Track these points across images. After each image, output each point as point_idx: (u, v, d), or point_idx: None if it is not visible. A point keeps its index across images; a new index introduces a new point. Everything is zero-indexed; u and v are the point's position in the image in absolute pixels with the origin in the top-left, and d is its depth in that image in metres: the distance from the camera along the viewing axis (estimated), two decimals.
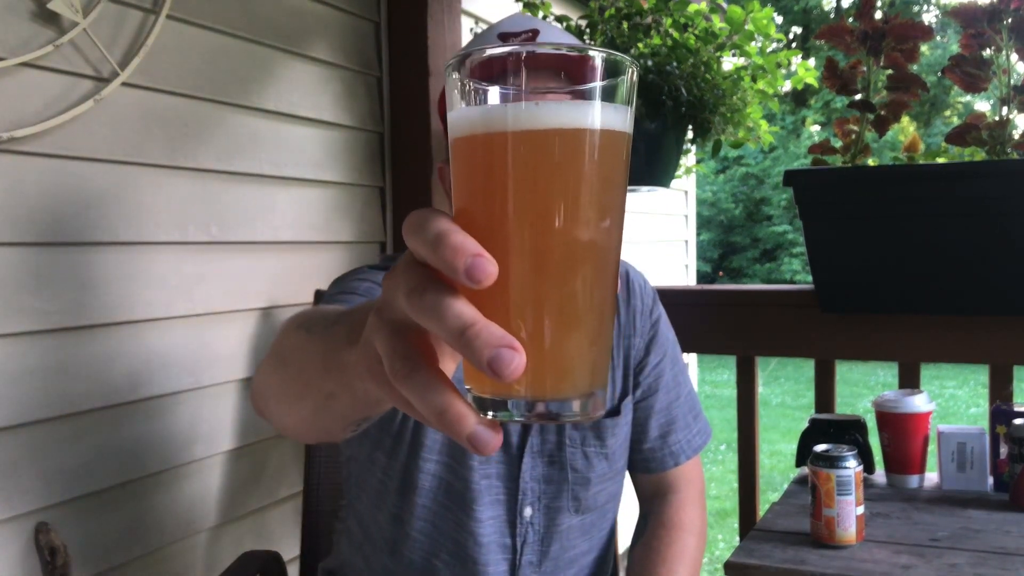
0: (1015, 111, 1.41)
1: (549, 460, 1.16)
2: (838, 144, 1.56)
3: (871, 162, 1.54)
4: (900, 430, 1.47)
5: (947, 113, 13.88)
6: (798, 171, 1.51)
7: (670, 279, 4.57)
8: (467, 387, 0.44)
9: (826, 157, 1.56)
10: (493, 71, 0.42)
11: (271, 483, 1.72)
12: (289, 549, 1.70)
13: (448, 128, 0.45)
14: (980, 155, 1.45)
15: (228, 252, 1.60)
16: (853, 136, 1.53)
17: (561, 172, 0.41)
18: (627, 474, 1.30)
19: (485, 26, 2.48)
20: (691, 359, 5.11)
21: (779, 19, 15.69)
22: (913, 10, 15.07)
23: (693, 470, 1.31)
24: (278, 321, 1.70)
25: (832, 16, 16.08)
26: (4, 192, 1.23)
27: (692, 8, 1.81)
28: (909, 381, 1.67)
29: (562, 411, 0.43)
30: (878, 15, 1.48)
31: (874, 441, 1.53)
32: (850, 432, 1.49)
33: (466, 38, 2.16)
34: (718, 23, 1.82)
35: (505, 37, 1.16)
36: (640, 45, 1.76)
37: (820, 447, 1.24)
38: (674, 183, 1.99)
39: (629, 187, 0.47)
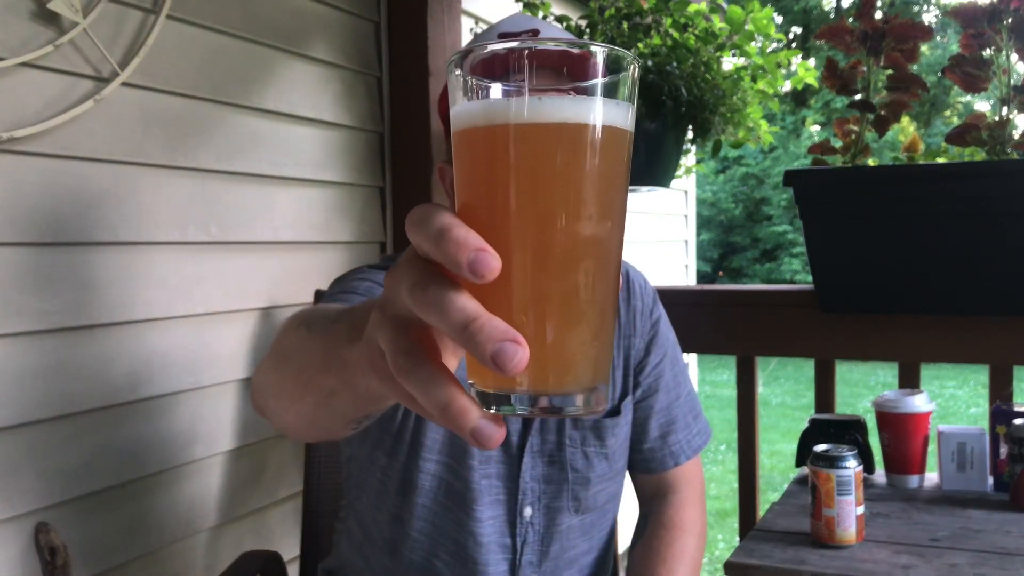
0: (1015, 111, 1.41)
1: (549, 460, 1.16)
2: (838, 144, 1.56)
3: (871, 162, 1.54)
4: (900, 430, 1.47)
5: (947, 113, 13.89)
6: (798, 171, 1.51)
7: (670, 279, 4.57)
8: (470, 382, 0.44)
9: (826, 157, 1.56)
10: (496, 67, 0.43)
11: (271, 483, 1.72)
12: (289, 549, 1.70)
13: (451, 124, 0.45)
14: (980, 155, 1.45)
15: (228, 252, 1.60)
16: (853, 136, 1.53)
17: (564, 167, 0.42)
18: (627, 474, 1.30)
19: (485, 26, 2.48)
20: (691, 359, 5.11)
21: (779, 19, 15.69)
22: (913, 10, 15.07)
23: (693, 470, 1.31)
24: (278, 321, 1.70)
25: (832, 16, 16.08)
26: (4, 192, 1.23)
27: (692, 8, 1.81)
28: (909, 381, 1.67)
29: (565, 405, 0.43)
30: (878, 15, 1.48)
31: (874, 441, 1.53)
32: (850, 432, 1.49)
33: (466, 38, 2.16)
34: (718, 23, 1.82)
35: (505, 37, 1.16)
36: (640, 45, 1.76)
37: (820, 447, 1.24)
38: (674, 183, 1.99)
39: (629, 187, 0.47)
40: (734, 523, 4.37)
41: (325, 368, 0.58)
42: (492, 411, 0.43)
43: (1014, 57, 1.41)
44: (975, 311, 1.53)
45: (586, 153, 0.42)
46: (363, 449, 1.16)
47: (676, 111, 1.75)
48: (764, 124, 1.91)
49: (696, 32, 1.79)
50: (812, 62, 2.07)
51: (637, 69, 0.44)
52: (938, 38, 13.64)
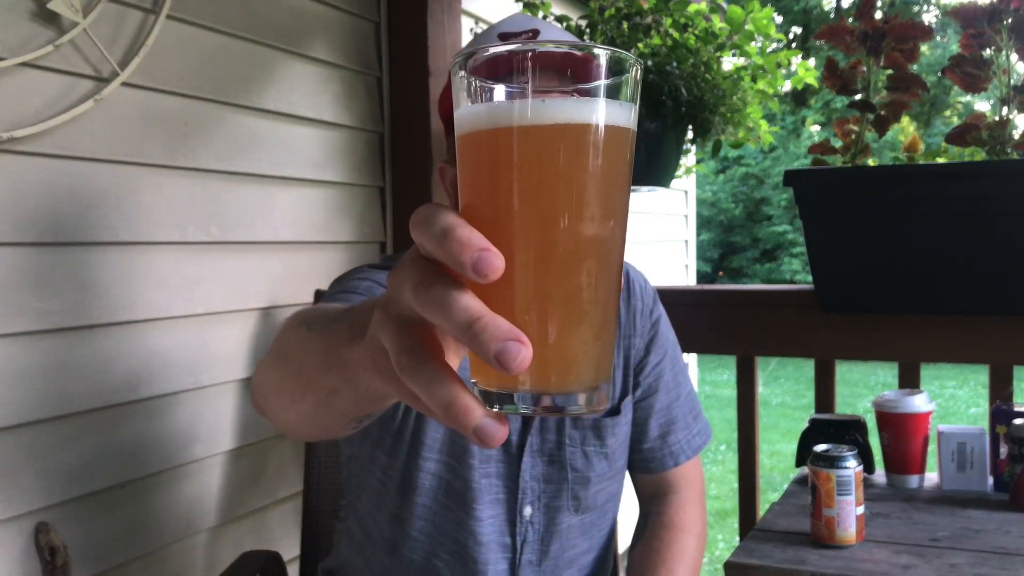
0: (1015, 111, 1.41)
1: (549, 459, 1.16)
2: (838, 144, 1.56)
3: (871, 162, 1.54)
4: (900, 430, 1.47)
5: (947, 113, 13.89)
6: (798, 171, 1.51)
7: (670, 279, 4.57)
8: (473, 381, 0.45)
9: (826, 157, 1.56)
10: (499, 69, 0.43)
11: (271, 483, 1.72)
12: (289, 549, 1.70)
13: (455, 125, 0.45)
14: (980, 155, 1.45)
15: (228, 252, 1.60)
16: (853, 136, 1.53)
17: (567, 168, 0.42)
18: (627, 474, 1.30)
19: (485, 26, 2.48)
20: (691, 359, 5.11)
21: (779, 19, 15.69)
22: (913, 10, 15.07)
23: (693, 470, 1.31)
24: (278, 321, 1.70)
25: (832, 16, 16.08)
26: (4, 192, 1.23)
27: (692, 8, 1.81)
28: (909, 381, 1.67)
29: (568, 404, 0.43)
30: (878, 15, 1.48)
31: (874, 441, 1.53)
32: (850, 432, 1.49)
33: (466, 38, 2.16)
34: (718, 23, 1.82)
35: (505, 37, 1.16)
36: (640, 45, 1.76)
37: (820, 447, 1.24)
38: (674, 183, 1.99)
39: (631, 184, 0.47)
40: (734, 523, 4.37)
41: (326, 367, 0.58)
42: (495, 410, 0.43)
43: (1014, 57, 1.41)
44: (975, 311, 1.53)
45: (589, 154, 0.42)
46: (363, 448, 1.16)
47: (676, 111, 1.75)
48: (764, 124, 1.91)
49: (696, 32, 1.79)
50: (812, 62, 2.07)
51: (639, 70, 0.45)
52: (938, 38, 13.64)
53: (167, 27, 1.44)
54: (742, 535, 1.90)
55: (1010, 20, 1.39)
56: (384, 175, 1.99)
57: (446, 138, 1.28)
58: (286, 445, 1.75)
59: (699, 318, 1.82)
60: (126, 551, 1.42)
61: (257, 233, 1.65)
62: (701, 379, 8.26)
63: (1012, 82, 1.41)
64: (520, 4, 1.98)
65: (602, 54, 0.43)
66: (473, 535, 1.12)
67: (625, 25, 1.79)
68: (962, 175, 1.41)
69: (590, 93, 0.42)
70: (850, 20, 1.50)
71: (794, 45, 16.17)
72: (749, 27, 1.82)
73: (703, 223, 13.71)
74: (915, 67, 1.50)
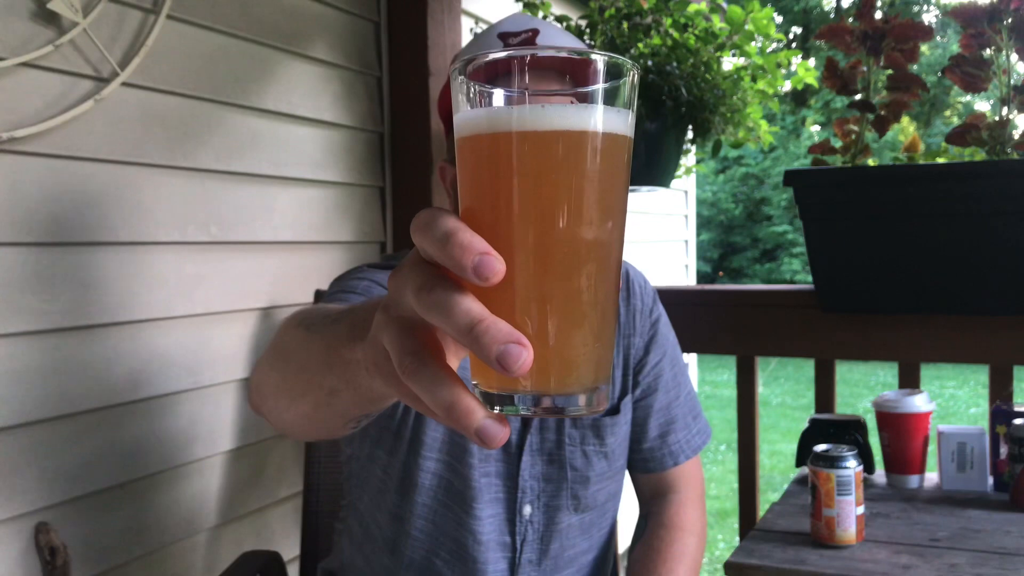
0: (1015, 111, 1.41)
1: (548, 458, 1.16)
2: (838, 144, 1.56)
3: (871, 162, 1.54)
4: (900, 430, 1.47)
5: (947, 113, 13.88)
6: (798, 171, 1.52)
7: (670, 279, 4.57)
8: (474, 382, 0.45)
9: (826, 157, 1.56)
10: (499, 74, 0.43)
11: (271, 483, 1.72)
12: (289, 549, 1.70)
13: (455, 130, 0.46)
14: (980, 155, 1.45)
15: (228, 252, 1.60)
16: (853, 136, 1.53)
17: (566, 173, 0.43)
18: (627, 474, 1.30)
19: (485, 26, 2.48)
20: (691, 359, 5.11)
21: (779, 19, 15.69)
22: (913, 10, 15.07)
23: (693, 470, 1.31)
24: (278, 321, 1.69)
25: (832, 16, 16.08)
26: (4, 192, 1.23)
27: (692, 8, 1.81)
28: (909, 381, 1.67)
29: (568, 405, 0.44)
30: (878, 15, 1.48)
31: (874, 441, 1.53)
32: (850, 432, 1.49)
33: (466, 38, 2.16)
34: (718, 23, 1.82)
35: (505, 37, 1.16)
36: (640, 45, 1.76)
37: (820, 447, 1.24)
38: (674, 183, 1.99)
39: (629, 187, 0.47)
40: (734, 523, 4.37)
41: (326, 368, 0.59)
42: (496, 411, 0.44)
43: (1014, 57, 1.41)
44: (975, 311, 1.53)
45: (587, 159, 0.43)
46: (363, 447, 1.17)
47: (676, 111, 1.75)
48: (764, 124, 1.91)
49: (696, 32, 1.79)
50: (812, 62, 2.07)
51: (637, 76, 0.45)
52: (938, 38, 13.64)
53: (167, 27, 1.44)
54: (742, 535, 1.90)
55: (1010, 20, 1.39)
56: (384, 175, 1.99)
57: (446, 138, 1.28)
58: (286, 445, 1.75)
59: (699, 318, 1.82)
60: (126, 551, 1.42)
61: (257, 233, 1.65)
62: (701, 379, 8.27)
63: (1012, 82, 1.41)
64: (520, 4, 1.98)
65: (600, 59, 0.43)
66: (473, 534, 1.12)
67: (625, 25, 1.79)
68: (962, 175, 1.41)
69: (588, 98, 0.43)
70: (850, 20, 1.50)
71: (794, 45, 16.17)
72: (749, 27, 1.82)
73: (703, 223, 13.71)
74: (915, 67, 1.50)
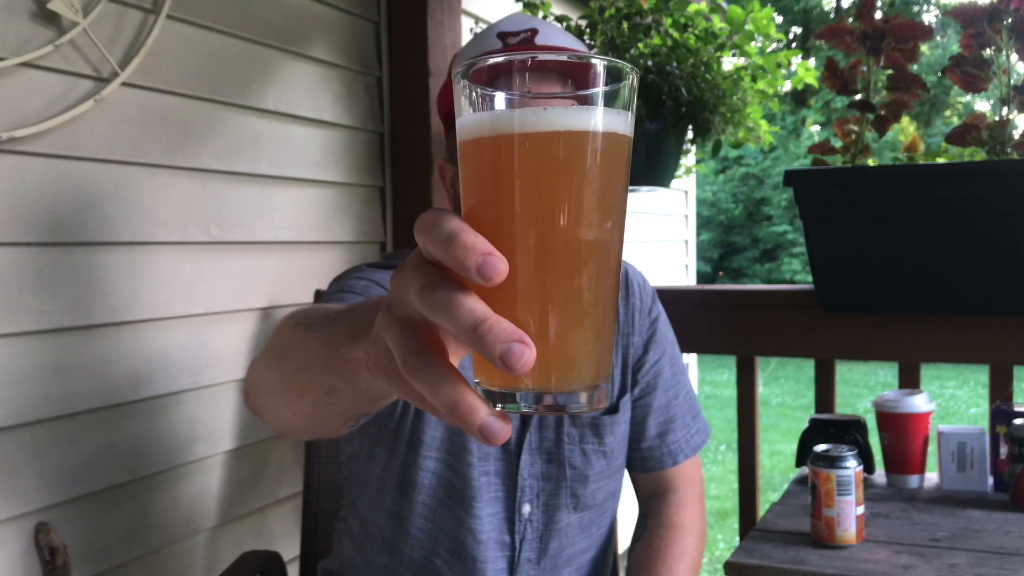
0: (1015, 111, 1.41)
1: (547, 457, 1.16)
2: (838, 144, 1.56)
3: (871, 162, 1.54)
4: (900, 430, 1.47)
5: (947, 113, 13.88)
6: (798, 171, 1.51)
7: (670, 279, 4.57)
8: (476, 381, 0.46)
9: (826, 157, 1.56)
10: (501, 77, 0.44)
11: (271, 483, 1.72)
12: (289, 549, 1.70)
13: (457, 133, 0.47)
14: (980, 155, 1.45)
15: (228, 252, 1.60)
16: (853, 136, 1.53)
17: (567, 174, 0.43)
18: (627, 474, 1.30)
19: (485, 26, 2.48)
20: (691, 359, 5.11)
21: (779, 19, 15.69)
22: (913, 10, 15.07)
23: (692, 470, 1.31)
24: (277, 321, 1.69)
25: (832, 16, 16.08)
26: (4, 192, 1.23)
27: (692, 8, 1.81)
28: (909, 381, 1.67)
29: (569, 403, 0.44)
30: (878, 15, 1.48)
31: (874, 441, 1.53)
32: (850, 432, 1.49)
33: (466, 38, 2.16)
34: (718, 23, 1.82)
35: (504, 36, 1.16)
36: (640, 45, 1.76)
37: (820, 447, 1.24)
38: (674, 183, 1.99)
39: (629, 187, 0.48)
40: (734, 523, 4.37)
41: (325, 366, 0.59)
42: (498, 408, 0.44)
43: (1014, 57, 1.41)
44: (975, 311, 1.53)
45: (588, 160, 0.44)
46: (362, 447, 1.17)
47: (676, 111, 1.75)
48: (764, 124, 1.91)
49: (696, 32, 1.79)
50: (812, 62, 2.07)
51: (636, 78, 0.46)
52: (938, 38, 13.64)
53: (167, 27, 1.44)
54: (742, 535, 1.90)
55: (1010, 20, 1.39)
56: (384, 175, 1.99)
57: (445, 137, 1.28)
58: (286, 445, 1.75)
59: (699, 318, 1.82)
60: (126, 551, 1.42)
61: (257, 233, 1.65)
62: (701, 379, 8.27)
63: (1012, 82, 1.41)
64: (520, 4, 1.98)
65: (600, 63, 0.44)
66: (472, 533, 1.12)
67: (625, 25, 1.79)
68: (962, 175, 1.41)
69: (589, 101, 0.44)
70: (850, 20, 1.50)
71: (794, 45, 16.17)
72: (749, 27, 1.82)
73: (703, 223, 13.71)
74: (915, 67, 1.50)
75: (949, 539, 1.22)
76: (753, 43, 1.84)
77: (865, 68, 1.51)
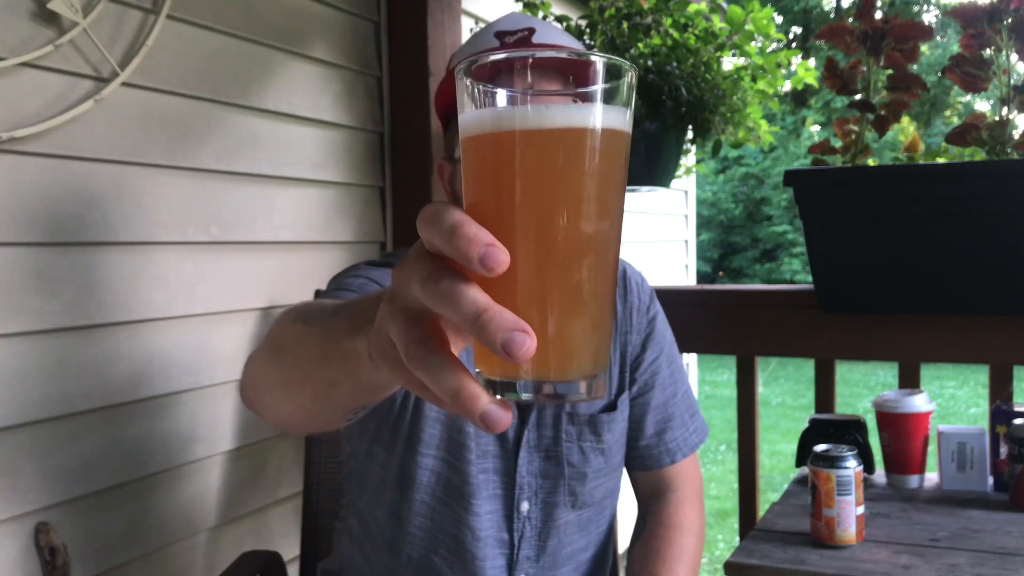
0: (1015, 111, 1.41)
1: (545, 455, 1.16)
2: (838, 144, 1.56)
3: (871, 162, 1.54)
4: (900, 430, 1.47)
5: (947, 113, 13.88)
6: (798, 171, 1.52)
7: (670, 279, 4.57)
8: (477, 370, 0.47)
9: (826, 157, 1.56)
10: (501, 74, 0.45)
11: (271, 483, 1.72)
12: (289, 549, 1.70)
13: (459, 130, 0.47)
14: (980, 155, 1.45)
15: (228, 252, 1.60)
16: (853, 136, 1.53)
17: (567, 169, 0.44)
18: (625, 472, 1.30)
19: (484, 26, 2.48)
20: (691, 359, 5.11)
21: (779, 19, 15.69)
22: (913, 10, 15.07)
23: (690, 469, 1.31)
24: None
25: (832, 16, 16.08)
26: (4, 192, 1.23)
27: (692, 8, 1.81)
28: (909, 381, 1.67)
29: (568, 391, 0.45)
30: (878, 15, 1.48)
31: (874, 441, 1.53)
32: (850, 432, 1.49)
33: (466, 38, 2.16)
34: (718, 23, 1.82)
35: (501, 35, 1.17)
36: (640, 45, 1.76)
37: (820, 447, 1.24)
38: (674, 183, 1.99)
39: (629, 187, 0.49)
40: (734, 523, 4.37)
41: (325, 360, 0.60)
42: (499, 397, 0.45)
43: (1014, 57, 1.41)
44: (975, 311, 1.53)
45: (588, 156, 0.45)
46: (362, 445, 1.17)
47: (676, 111, 1.75)
48: (764, 124, 1.91)
49: (696, 32, 1.79)
50: (812, 62, 2.07)
51: (635, 76, 0.47)
52: (938, 38, 13.64)
53: (167, 27, 1.44)
54: (742, 535, 1.90)
55: (1010, 20, 1.39)
56: (384, 175, 1.99)
57: (444, 135, 1.28)
58: (286, 445, 1.75)
59: (699, 318, 1.82)
60: (126, 551, 1.42)
61: (257, 233, 1.65)
62: (701, 379, 8.27)
63: (1012, 82, 1.41)
64: (520, 3, 1.98)
65: (599, 60, 0.45)
66: (471, 531, 1.12)
67: (625, 25, 1.79)
68: (962, 175, 1.41)
69: (588, 98, 0.45)
70: (850, 20, 1.50)
71: (794, 45, 16.17)
72: (749, 27, 1.82)
73: (703, 223, 13.71)
74: (915, 67, 1.50)
75: (949, 539, 1.22)
76: (753, 43, 1.84)
77: (865, 68, 1.51)
